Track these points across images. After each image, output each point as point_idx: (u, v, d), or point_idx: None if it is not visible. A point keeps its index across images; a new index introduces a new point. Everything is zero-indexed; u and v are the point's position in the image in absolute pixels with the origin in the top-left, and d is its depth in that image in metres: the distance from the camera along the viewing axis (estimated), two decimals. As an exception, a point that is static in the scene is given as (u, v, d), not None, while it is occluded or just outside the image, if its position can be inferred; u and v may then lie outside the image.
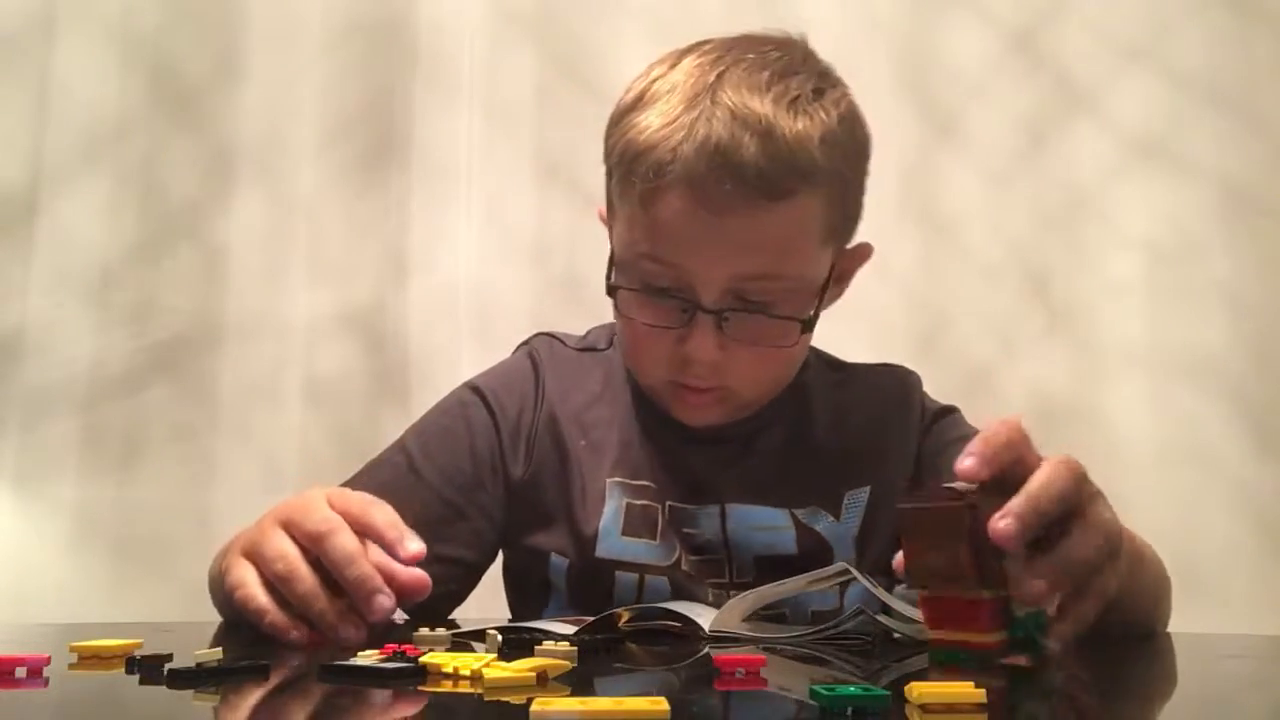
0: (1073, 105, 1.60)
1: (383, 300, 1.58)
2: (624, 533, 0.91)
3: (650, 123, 0.83)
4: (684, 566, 0.90)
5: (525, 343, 1.04)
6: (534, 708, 0.39)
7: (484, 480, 0.94)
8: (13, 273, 1.49)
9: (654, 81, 0.87)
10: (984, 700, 0.42)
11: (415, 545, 0.70)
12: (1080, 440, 1.53)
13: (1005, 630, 0.58)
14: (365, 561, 0.68)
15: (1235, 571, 1.46)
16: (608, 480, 0.92)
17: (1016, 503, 0.58)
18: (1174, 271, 1.55)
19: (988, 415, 0.67)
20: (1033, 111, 1.61)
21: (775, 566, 0.88)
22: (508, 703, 0.46)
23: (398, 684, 0.49)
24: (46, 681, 0.50)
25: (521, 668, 0.48)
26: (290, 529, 0.70)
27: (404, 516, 0.75)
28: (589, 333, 1.05)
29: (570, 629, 0.68)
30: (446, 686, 0.49)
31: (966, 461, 0.59)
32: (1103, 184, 1.58)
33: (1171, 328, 1.54)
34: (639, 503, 0.92)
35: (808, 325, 0.87)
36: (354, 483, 0.94)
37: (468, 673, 0.49)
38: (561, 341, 1.03)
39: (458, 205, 1.62)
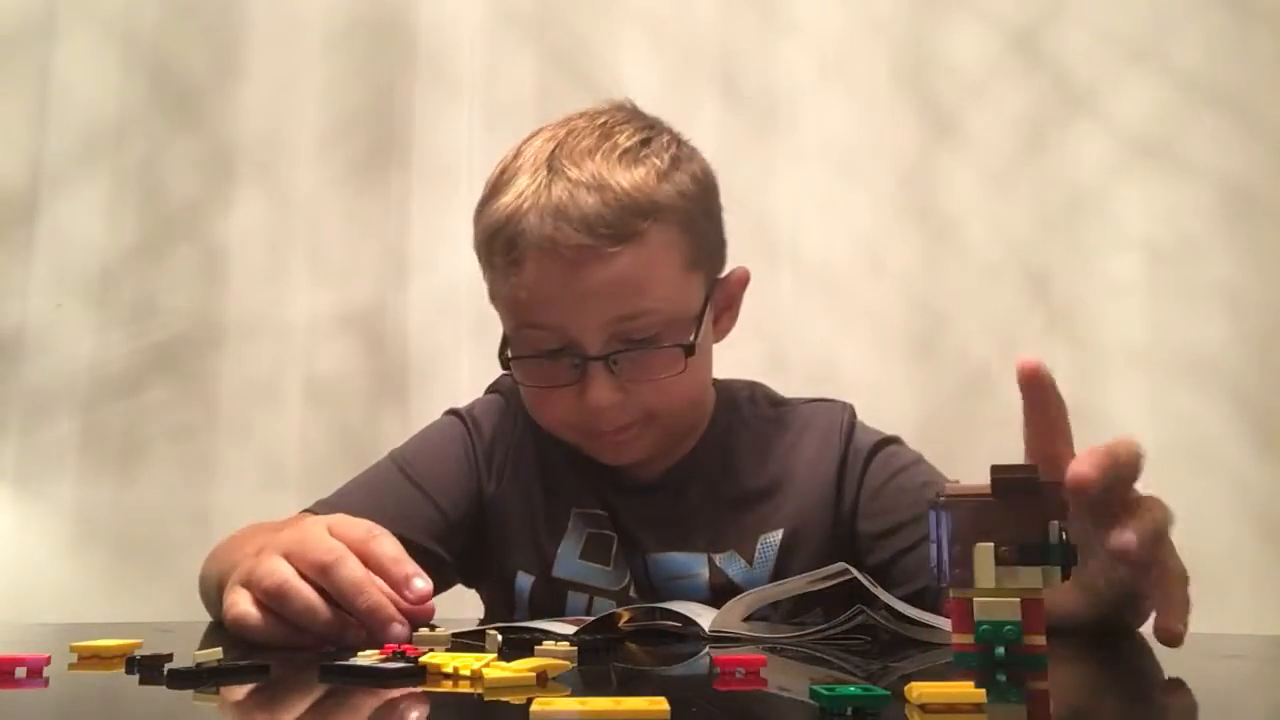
0: (1073, 105, 1.60)
1: (383, 300, 1.58)
2: (581, 555, 0.96)
3: (497, 204, 0.89)
4: (633, 593, 0.94)
5: (495, 383, 1.07)
6: (534, 708, 0.39)
7: (461, 489, 0.98)
8: (13, 273, 1.49)
9: (502, 172, 0.92)
10: (984, 700, 0.42)
11: (422, 585, 0.69)
12: (1080, 440, 1.53)
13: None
14: (375, 589, 0.67)
15: (1236, 571, 1.46)
16: (573, 510, 0.97)
17: (1095, 449, 0.60)
18: (1174, 271, 1.55)
19: (1096, 436, 0.66)
20: (1033, 111, 1.61)
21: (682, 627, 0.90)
22: (508, 703, 0.46)
23: (398, 684, 0.49)
24: (46, 681, 0.50)
25: (521, 668, 0.48)
26: (293, 560, 0.68)
27: (391, 517, 0.78)
28: None
29: (570, 628, 0.68)
30: (446, 686, 0.49)
31: (1082, 467, 0.60)
32: (1103, 184, 1.58)
33: (1171, 328, 1.54)
34: (598, 532, 0.96)
35: (689, 350, 0.89)
36: (342, 492, 0.98)
37: (468, 673, 0.49)
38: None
39: (458, 205, 1.61)
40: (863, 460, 0.97)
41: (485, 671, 0.48)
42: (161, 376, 1.51)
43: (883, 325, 1.59)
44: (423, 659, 0.51)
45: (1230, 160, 1.55)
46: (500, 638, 0.59)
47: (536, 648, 0.56)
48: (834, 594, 0.77)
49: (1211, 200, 1.55)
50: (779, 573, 0.93)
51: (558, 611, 0.93)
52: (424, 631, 0.65)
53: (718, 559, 0.94)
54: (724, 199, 0.98)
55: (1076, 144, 1.59)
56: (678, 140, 0.95)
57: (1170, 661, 0.64)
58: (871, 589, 0.70)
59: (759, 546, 0.95)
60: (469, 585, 1.03)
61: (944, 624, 0.64)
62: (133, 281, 1.52)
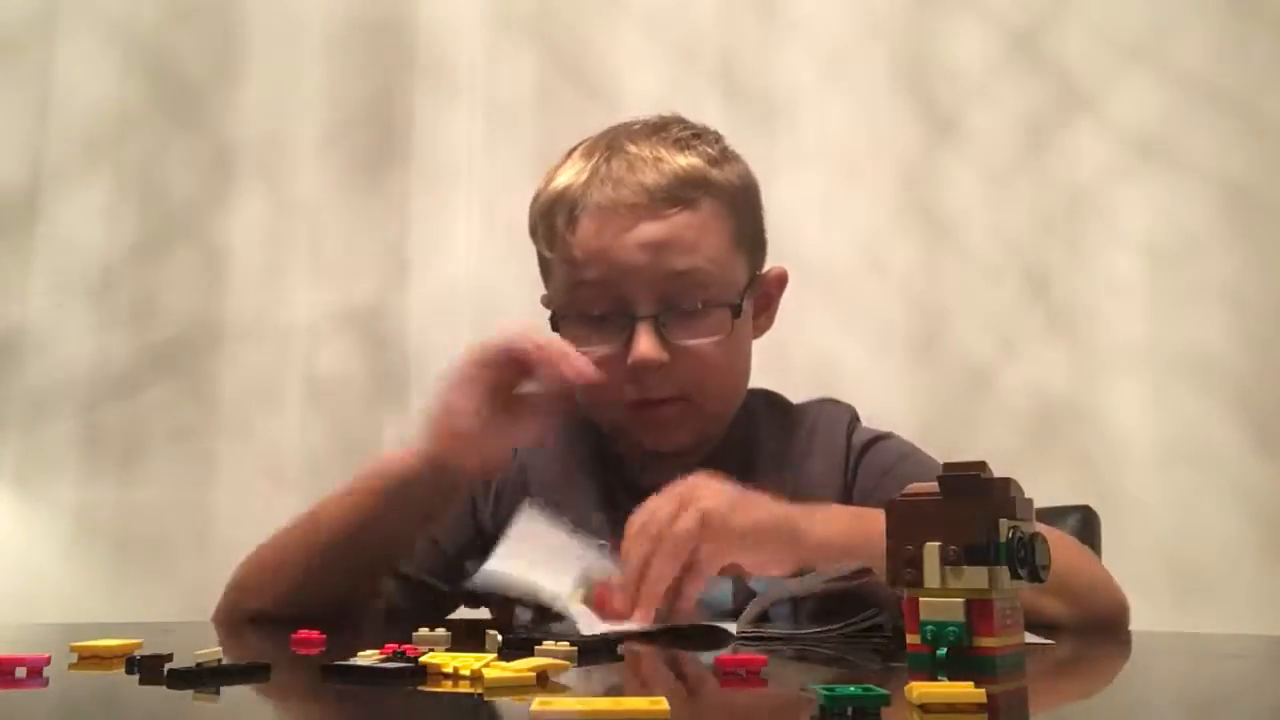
0: (1073, 105, 1.60)
1: (383, 300, 1.58)
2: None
3: (557, 181, 0.97)
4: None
5: None
6: (534, 708, 0.39)
7: (460, 518, 0.99)
8: (13, 273, 1.49)
9: (558, 168, 1.00)
10: (984, 700, 0.42)
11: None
12: (1080, 440, 1.54)
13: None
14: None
15: (1235, 571, 1.46)
16: None
17: None
18: (1174, 271, 1.55)
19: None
20: (1033, 111, 1.61)
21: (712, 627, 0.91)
22: (508, 703, 0.46)
23: (398, 684, 0.49)
24: (46, 681, 0.50)
25: (521, 668, 0.48)
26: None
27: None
28: None
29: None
30: (446, 686, 0.49)
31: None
32: (1103, 184, 1.58)
33: (1172, 328, 1.54)
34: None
35: (736, 311, 0.94)
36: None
37: (468, 673, 0.49)
38: None
39: (458, 205, 1.62)
40: (854, 460, 0.99)
41: (485, 671, 0.48)
42: (161, 376, 1.51)
43: (883, 325, 1.59)
44: (423, 659, 0.51)
45: (1230, 160, 1.55)
46: (500, 637, 0.59)
47: (536, 648, 0.56)
48: (858, 597, 0.77)
49: (1212, 200, 1.55)
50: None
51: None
52: (424, 631, 0.65)
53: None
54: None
55: (1076, 144, 1.59)
56: (723, 140, 1.01)
57: (1170, 661, 0.64)
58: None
59: None
60: (473, 607, 1.04)
61: None
62: (133, 281, 1.52)
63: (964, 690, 0.43)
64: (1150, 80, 1.58)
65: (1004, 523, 0.53)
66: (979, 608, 0.53)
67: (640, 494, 0.96)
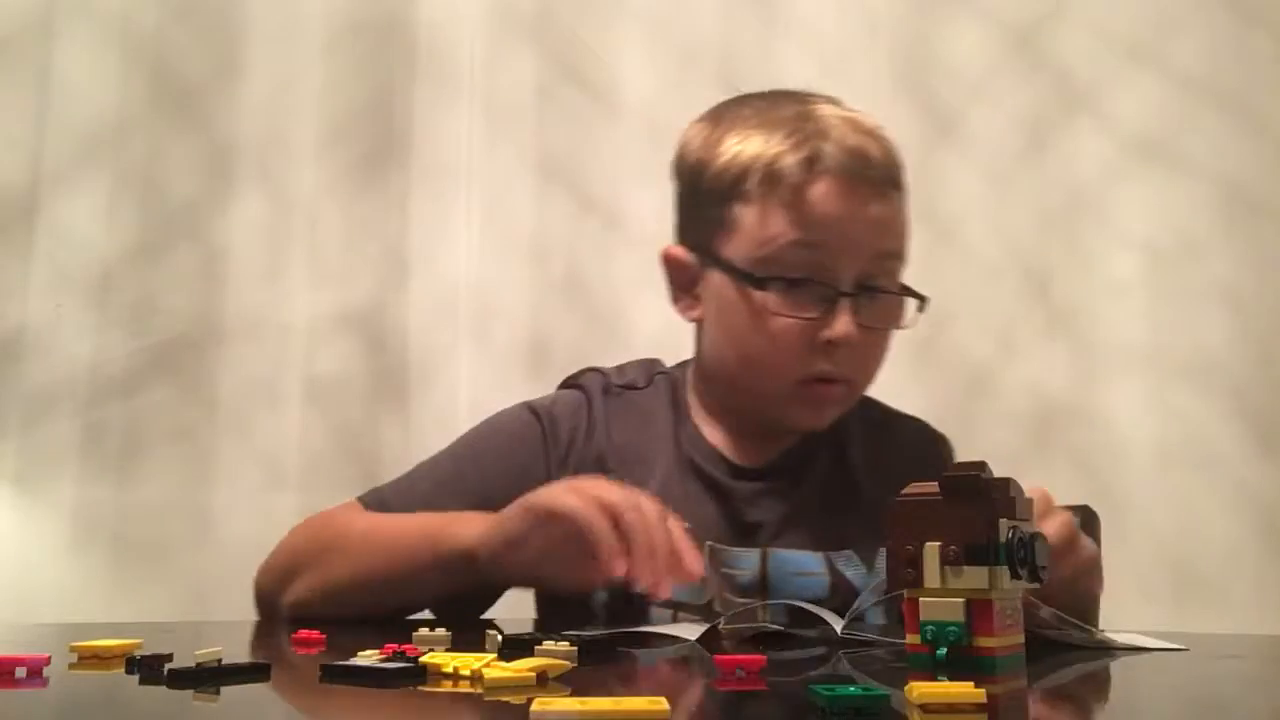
0: (1073, 105, 1.60)
1: (383, 300, 1.58)
2: None
3: (772, 136, 0.93)
4: (717, 607, 0.91)
5: (575, 378, 1.06)
6: (534, 708, 0.39)
7: (523, 494, 0.95)
8: (13, 273, 1.49)
9: (724, 115, 0.98)
10: (984, 700, 0.42)
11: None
12: (1080, 440, 1.54)
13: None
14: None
15: (1235, 571, 1.46)
16: None
17: None
18: (1174, 271, 1.54)
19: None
20: (1033, 111, 1.61)
21: (807, 616, 0.89)
22: (508, 703, 0.46)
23: (398, 684, 0.49)
24: (46, 681, 0.50)
25: (521, 668, 0.48)
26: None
27: (449, 519, 0.85)
28: (625, 370, 1.07)
29: (693, 631, 0.69)
30: (446, 686, 0.49)
31: None
32: (1103, 184, 1.58)
33: (1171, 328, 1.53)
34: None
35: (921, 304, 0.96)
36: (401, 484, 0.98)
37: (468, 673, 0.49)
38: (606, 378, 1.06)
39: (458, 205, 1.62)
40: None
41: (485, 671, 0.48)
42: (161, 376, 1.51)
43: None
44: (423, 659, 0.51)
45: (1230, 160, 1.55)
46: (500, 637, 0.59)
47: (536, 648, 0.56)
48: None
49: (1211, 200, 1.55)
50: None
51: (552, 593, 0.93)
52: (424, 631, 0.65)
53: (835, 558, 0.93)
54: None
55: (1076, 144, 1.59)
56: None
57: (1170, 661, 0.64)
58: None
59: (880, 555, 0.93)
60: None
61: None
62: (133, 281, 1.52)
63: (964, 690, 0.43)
64: (1150, 80, 1.58)
65: (1004, 523, 0.53)
66: (979, 608, 0.53)
67: (731, 468, 0.97)
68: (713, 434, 1.00)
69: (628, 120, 1.62)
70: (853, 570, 0.93)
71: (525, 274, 1.60)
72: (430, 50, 1.63)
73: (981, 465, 0.55)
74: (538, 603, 0.99)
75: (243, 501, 1.50)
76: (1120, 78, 1.59)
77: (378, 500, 0.96)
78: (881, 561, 0.92)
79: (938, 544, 0.54)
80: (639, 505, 0.75)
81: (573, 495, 0.77)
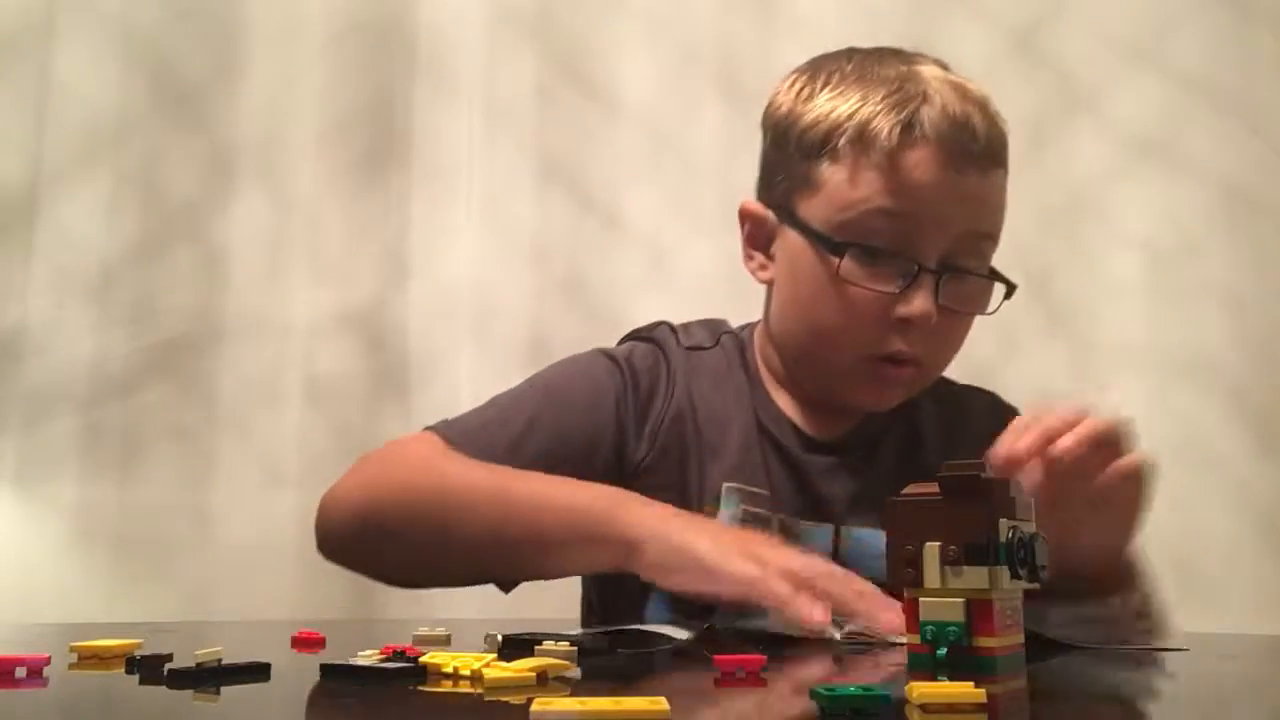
0: (1073, 105, 1.60)
1: (383, 300, 1.58)
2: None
3: (871, 95, 0.87)
4: None
5: (647, 330, 1.00)
6: (534, 708, 0.39)
7: (604, 445, 0.91)
8: (13, 273, 1.49)
9: (823, 67, 0.92)
10: (984, 700, 0.42)
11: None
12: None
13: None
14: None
15: (1235, 571, 1.46)
16: (724, 485, 0.90)
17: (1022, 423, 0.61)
18: (1174, 271, 1.54)
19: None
20: (1033, 111, 1.61)
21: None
22: (508, 703, 0.46)
23: (398, 684, 0.49)
24: (46, 681, 0.50)
25: (521, 668, 0.48)
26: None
27: (530, 458, 0.81)
28: (690, 330, 1.01)
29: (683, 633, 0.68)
30: (446, 686, 0.49)
31: (998, 446, 0.61)
32: (1103, 184, 1.58)
33: (1171, 328, 1.54)
34: (755, 510, 0.89)
35: (1009, 290, 0.90)
36: (486, 418, 0.91)
37: (468, 673, 0.49)
38: (677, 336, 1.00)
39: (458, 205, 1.62)
40: None
41: (485, 671, 0.48)
42: (161, 376, 1.51)
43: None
44: (423, 659, 0.51)
45: (1230, 160, 1.55)
46: (500, 637, 0.59)
47: (536, 648, 0.56)
48: None
49: (1211, 200, 1.55)
50: None
51: (705, 611, 0.87)
52: (424, 631, 0.65)
53: None
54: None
55: (1076, 144, 1.59)
56: None
57: (1170, 661, 0.64)
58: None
59: None
60: None
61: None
62: (133, 281, 1.52)
63: (964, 690, 0.43)
64: (1150, 80, 1.58)
65: (1004, 523, 0.53)
66: (979, 608, 0.53)
67: (804, 439, 0.92)
68: (784, 402, 0.95)
69: (628, 120, 1.62)
70: None
71: (525, 274, 1.60)
72: (430, 50, 1.63)
73: (981, 465, 0.55)
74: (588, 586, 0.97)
75: (243, 501, 1.50)
76: (1120, 78, 1.59)
77: (462, 435, 0.88)
78: None
79: (937, 544, 0.54)
80: (831, 573, 0.71)
81: (751, 563, 0.71)
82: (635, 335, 1.00)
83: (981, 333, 1.69)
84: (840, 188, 0.87)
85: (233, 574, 1.46)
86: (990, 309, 0.91)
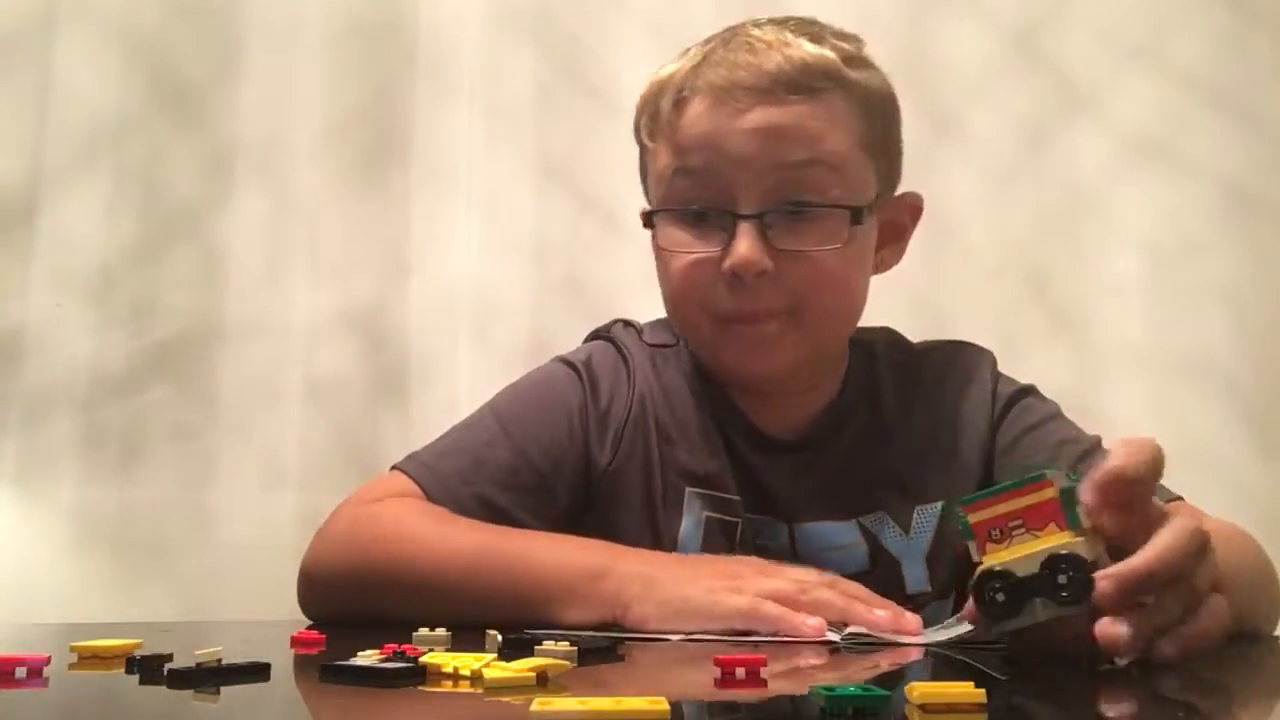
0: (1073, 105, 1.60)
1: (383, 300, 1.58)
2: (704, 547, 0.88)
3: (668, 68, 0.89)
4: None
5: (605, 330, 1.00)
6: (534, 708, 0.39)
7: (570, 456, 0.90)
8: (13, 273, 1.49)
9: (668, 63, 0.92)
10: (984, 700, 0.42)
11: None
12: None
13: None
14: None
15: (1235, 571, 1.46)
16: (687, 490, 0.89)
17: (1127, 569, 0.55)
18: (1174, 271, 1.54)
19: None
20: (1033, 111, 1.61)
21: None
22: (508, 703, 0.46)
23: (398, 684, 0.49)
24: (46, 681, 0.50)
25: (521, 668, 0.48)
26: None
27: (495, 484, 0.80)
28: (656, 329, 1.00)
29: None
30: (446, 686, 0.49)
31: (1086, 496, 0.57)
32: (1103, 184, 1.58)
33: (1171, 328, 1.54)
34: (718, 516, 0.89)
35: (855, 216, 0.84)
36: (441, 444, 0.91)
37: (468, 673, 0.49)
38: (639, 332, 0.99)
39: (458, 205, 1.62)
40: (1000, 410, 0.93)
41: (485, 671, 0.48)
42: (161, 376, 1.51)
43: (883, 324, 1.59)
44: (423, 659, 0.51)
45: (1230, 160, 1.55)
46: (500, 637, 0.59)
47: (536, 648, 0.56)
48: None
49: (1211, 200, 1.55)
50: (936, 545, 0.88)
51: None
52: (424, 631, 0.65)
53: (867, 521, 0.88)
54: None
55: (1076, 144, 1.59)
56: (866, 49, 0.92)
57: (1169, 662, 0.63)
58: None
59: (917, 516, 0.89)
60: None
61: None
62: (133, 281, 1.52)
63: (964, 690, 0.43)
64: (1150, 80, 1.58)
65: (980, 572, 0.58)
66: None
67: (757, 439, 0.89)
68: (744, 398, 0.93)
69: (628, 120, 1.61)
70: (889, 534, 0.88)
71: (525, 274, 1.60)
72: (430, 50, 1.63)
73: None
74: None
75: (243, 501, 1.50)
76: (1120, 78, 1.59)
77: (422, 469, 0.88)
78: (919, 525, 0.88)
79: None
80: (820, 582, 0.71)
81: (741, 597, 0.70)
82: (596, 335, 1.00)
83: (981, 333, 1.69)
84: (653, 165, 0.89)
85: (233, 574, 1.46)
86: (840, 240, 0.84)
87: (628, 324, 1.01)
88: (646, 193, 0.95)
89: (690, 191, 0.85)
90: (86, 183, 1.52)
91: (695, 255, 0.84)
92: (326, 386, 1.55)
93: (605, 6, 1.64)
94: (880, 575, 0.85)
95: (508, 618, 0.75)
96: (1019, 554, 0.57)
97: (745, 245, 0.82)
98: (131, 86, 1.55)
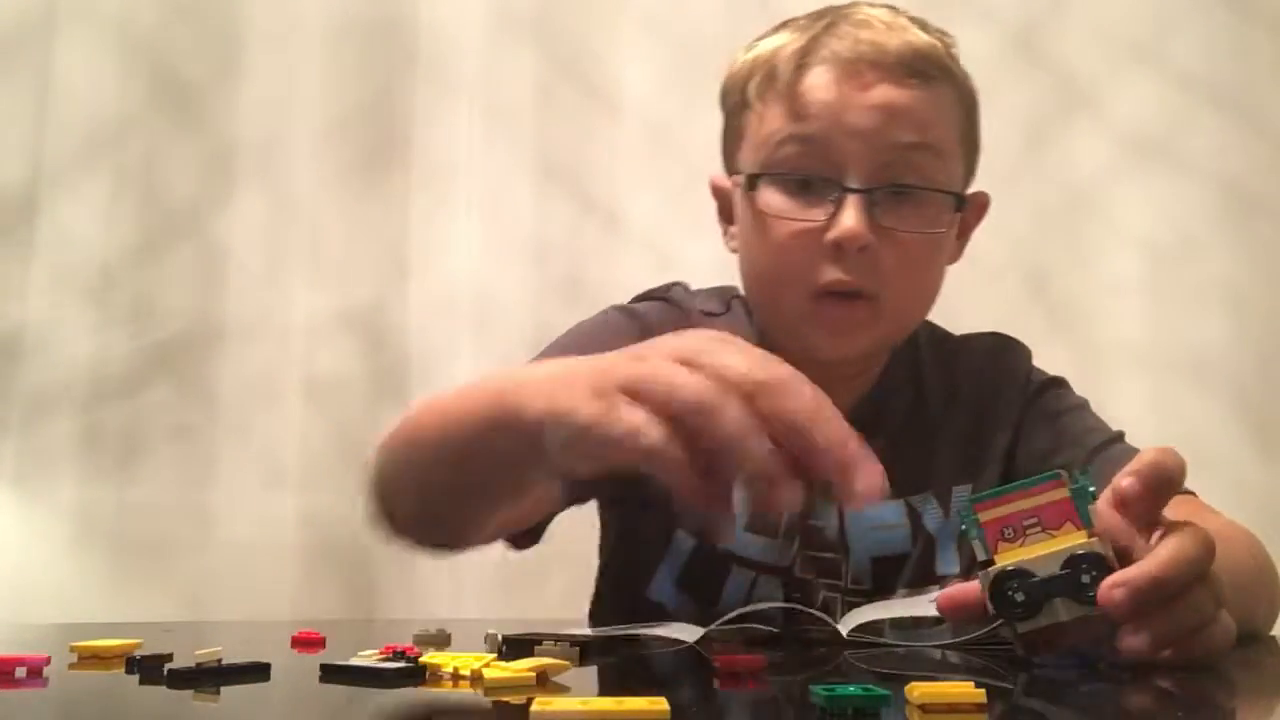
0: (1073, 105, 1.60)
1: (383, 300, 1.58)
2: (747, 526, 0.87)
3: (768, 44, 0.88)
4: (798, 569, 0.87)
5: (661, 291, 0.97)
6: (534, 708, 0.39)
7: None
8: (13, 273, 1.49)
9: (761, 39, 0.92)
10: (984, 700, 0.42)
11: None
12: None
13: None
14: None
15: (1235, 571, 1.46)
16: None
17: (1138, 574, 0.55)
18: (1174, 271, 1.54)
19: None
20: (1033, 111, 1.61)
21: (890, 568, 0.86)
22: (508, 703, 0.46)
23: (398, 684, 0.49)
24: (46, 681, 0.50)
25: (521, 668, 0.48)
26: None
27: None
28: (702, 295, 0.98)
29: (688, 634, 0.67)
30: (446, 686, 0.49)
31: (1126, 480, 0.58)
32: (1103, 184, 1.58)
33: (1171, 327, 1.53)
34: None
35: (959, 204, 0.86)
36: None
37: (468, 673, 0.49)
38: (693, 296, 0.97)
39: (458, 205, 1.62)
40: (1029, 398, 0.94)
41: (485, 671, 0.48)
42: (161, 376, 1.51)
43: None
44: (423, 659, 0.51)
45: (1230, 160, 1.55)
46: (500, 637, 0.59)
47: (536, 648, 0.56)
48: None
49: (1211, 200, 1.55)
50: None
51: (713, 588, 0.86)
52: (424, 631, 0.65)
53: (914, 502, 0.88)
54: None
55: (1076, 144, 1.59)
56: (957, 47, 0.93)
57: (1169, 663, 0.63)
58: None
59: (954, 497, 0.89)
60: (581, 503, 0.88)
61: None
62: (133, 281, 1.52)
63: (964, 690, 0.43)
64: (1150, 80, 1.58)
65: (983, 576, 0.57)
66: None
67: None
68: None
69: (628, 120, 1.62)
70: (931, 515, 0.88)
71: (525, 274, 1.60)
72: (430, 50, 1.63)
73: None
74: (599, 591, 0.97)
75: (243, 501, 1.50)
76: (1120, 78, 1.59)
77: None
78: (956, 507, 0.88)
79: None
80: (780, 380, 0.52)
81: (637, 363, 0.52)
82: (650, 295, 0.97)
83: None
84: (756, 130, 0.87)
85: (233, 574, 1.46)
86: (940, 227, 0.85)
87: (683, 287, 0.99)
88: (726, 160, 0.94)
89: (800, 159, 0.84)
90: (86, 183, 1.52)
91: (798, 224, 0.83)
92: (326, 386, 1.55)
93: (605, 7, 1.64)
94: (917, 556, 0.84)
95: (463, 472, 0.66)
96: (1035, 553, 0.57)
97: (853, 217, 0.81)
98: (131, 87, 1.55)
